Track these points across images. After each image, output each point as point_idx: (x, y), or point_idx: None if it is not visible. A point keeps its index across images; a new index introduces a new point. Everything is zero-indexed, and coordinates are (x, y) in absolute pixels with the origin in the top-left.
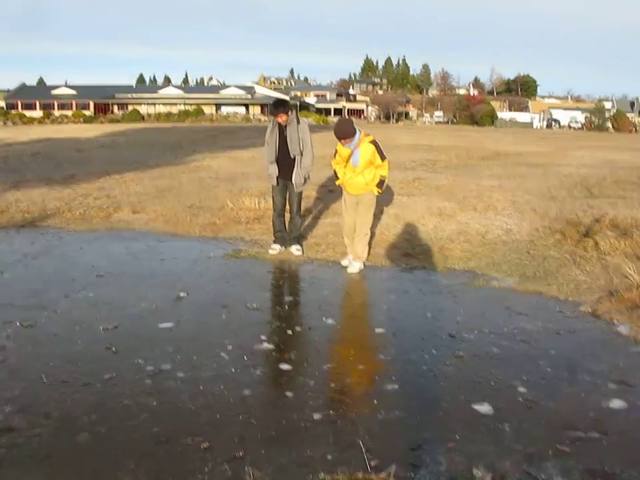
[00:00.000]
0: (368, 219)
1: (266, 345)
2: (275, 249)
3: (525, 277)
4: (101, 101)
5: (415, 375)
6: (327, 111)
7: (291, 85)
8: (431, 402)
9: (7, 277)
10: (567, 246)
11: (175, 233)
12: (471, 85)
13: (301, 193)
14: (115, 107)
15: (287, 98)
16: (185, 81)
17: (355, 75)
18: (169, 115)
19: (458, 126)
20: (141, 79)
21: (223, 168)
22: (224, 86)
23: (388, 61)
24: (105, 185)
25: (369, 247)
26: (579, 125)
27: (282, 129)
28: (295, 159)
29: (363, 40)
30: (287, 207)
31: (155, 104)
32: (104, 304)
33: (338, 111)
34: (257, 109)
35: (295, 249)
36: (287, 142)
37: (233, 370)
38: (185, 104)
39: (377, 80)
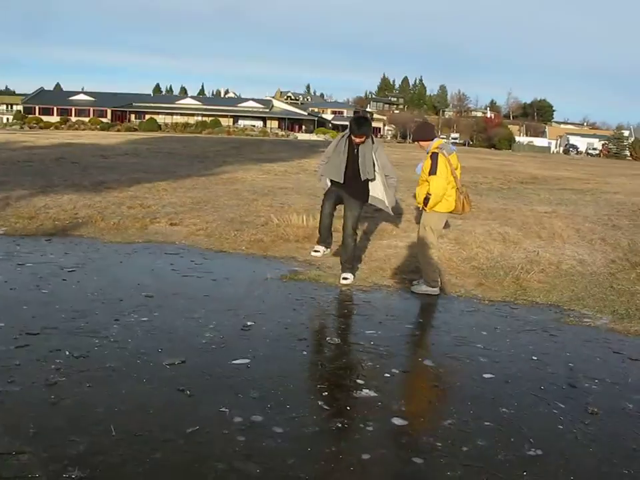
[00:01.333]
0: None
1: (366, 392)
2: (319, 250)
3: (617, 314)
4: (119, 109)
5: (553, 436)
6: (344, 128)
7: (308, 100)
8: (588, 474)
9: (45, 294)
10: None
11: (220, 249)
12: (488, 108)
13: (359, 214)
14: (132, 116)
15: (367, 115)
16: (201, 92)
17: (371, 94)
18: (186, 126)
19: (475, 148)
20: (157, 89)
21: (257, 181)
22: (241, 99)
23: (405, 81)
24: (138, 194)
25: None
26: (597, 152)
27: (352, 147)
28: (365, 182)
29: (380, 58)
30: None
31: (172, 114)
32: (162, 332)
33: None
34: (275, 123)
35: (342, 277)
36: (357, 162)
37: (340, 425)
38: (202, 115)
39: (393, 99)
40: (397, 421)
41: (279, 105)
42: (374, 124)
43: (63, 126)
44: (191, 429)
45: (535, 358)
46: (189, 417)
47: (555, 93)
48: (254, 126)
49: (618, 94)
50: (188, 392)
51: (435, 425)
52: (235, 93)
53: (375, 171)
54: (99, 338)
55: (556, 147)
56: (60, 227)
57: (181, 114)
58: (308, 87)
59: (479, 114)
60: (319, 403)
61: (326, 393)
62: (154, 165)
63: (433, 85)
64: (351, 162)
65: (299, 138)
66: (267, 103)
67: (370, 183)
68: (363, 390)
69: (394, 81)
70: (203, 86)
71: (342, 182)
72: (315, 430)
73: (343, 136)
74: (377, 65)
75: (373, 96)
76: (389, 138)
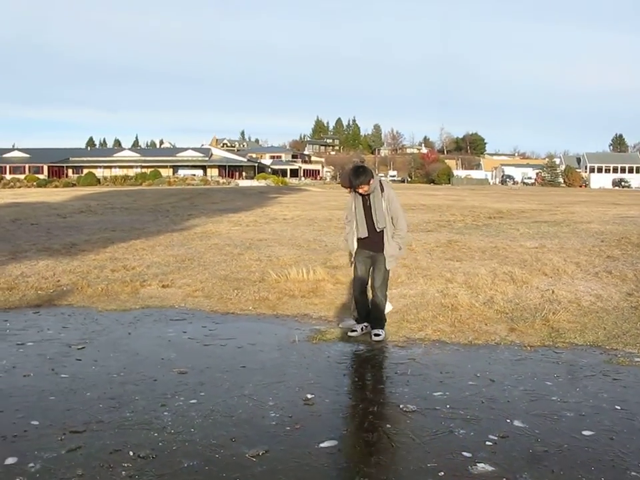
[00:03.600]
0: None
1: (482, 467)
2: (357, 330)
3: None
4: (55, 164)
5: None
6: (284, 172)
7: (244, 146)
8: None
9: (67, 379)
10: None
11: (226, 311)
12: (422, 144)
13: (388, 270)
14: (70, 170)
15: (363, 164)
16: (136, 143)
17: (305, 136)
18: (125, 178)
19: (414, 184)
20: (90, 142)
21: (233, 234)
22: (179, 148)
23: (338, 122)
24: (116, 255)
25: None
26: (532, 181)
27: (365, 199)
28: (381, 232)
29: (312, 101)
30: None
31: (110, 167)
32: (222, 416)
33: (294, 172)
34: (215, 171)
35: (374, 334)
36: (371, 214)
37: None
38: (141, 167)
39: (329, 140)
40: None
41: (218, 152)
42: (313, 166)
43: None
44: None
45: (619, 407)
46: None
47: (484, 125)
48: (194, 175)
49: (544, 125)
50: None
51: None
52: (170, 143)
53: (387, 219)
54: (155, 430)
55: (492, 178)
56: (45, 297)
57: (120, 166)
58: (242, 133)
59: (414, 150)
60: None
61: (442, 473)
62: (118, 222)
63: (367, 125)
64: (368, 215)
65: (240, 185)
66: (205, 152)
67: None
68: (478, 464)
69: (328, 123)
70: (137, 137)
71: (367, 235)
72: None
73: (352, 193)
74: (310, 107)
75: (308, 138)
76: (328, 179)
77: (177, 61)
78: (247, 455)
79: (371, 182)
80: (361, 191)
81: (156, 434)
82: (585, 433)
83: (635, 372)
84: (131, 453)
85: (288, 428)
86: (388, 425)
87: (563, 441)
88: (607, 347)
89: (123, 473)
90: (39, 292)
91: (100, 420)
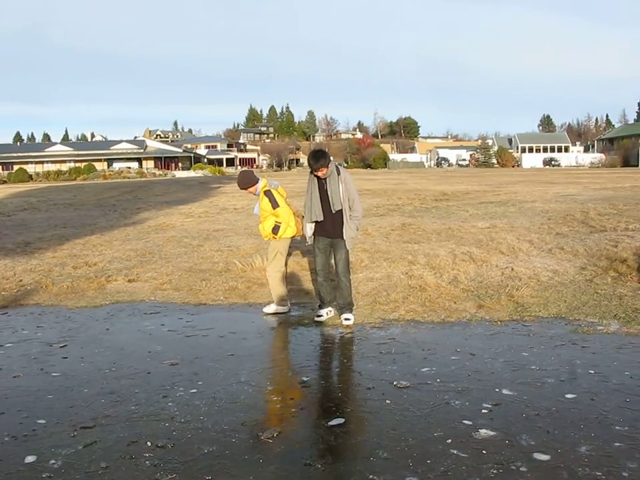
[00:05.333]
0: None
1: (485, 432)
2: (322, 315)
3: (620, 318)
4: None
5: None
6: (219, 162)
7: (178, 137)
8: None
9: (59, 377)
10: (630, 282)
11: (198, 302)
12: (357, 129)
13: (348, 252)
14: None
15: (322, 148)
16: (66, 137)
17: (239, 125)
18: (59, 173)
19: (352, 169)
20: (17, 137)
21: (187, 226)
22: (113, 141)
23: (272, 109)
24: (75, 252)
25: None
26: (466, 163)
27: (322, 183)
28: (337, 214)
29: (244, 89)
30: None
31: (42, 162)
32: (227, 402)
33: (230, 161)
34: (151, 163)
35: (344, 319)
36: (327, 197)
37: (495, 471)
38: (74, 161)
39: (263, 128)
40: (541, 457)
41: (153, 144)
42: (249, 155)
43: None
44: None
45: (592, 372)
46: None
47: (416, 109)
48: (130, 168)
49: (475, 106)
50: (319, 466)
51: (578, 455)
52: (102, 136)
53: (341, 201)
54: (165, 421)
55: (427, 161)
56: (10, 297)
57: (52, 161)
58: (175, 124)
59: (349, 136)
60: (454, 452)
61: (449, 441)
62: (66, 219)
63: (301, 111)
64: (324, 199)
65: (177, 176)
66: (140, 144)
67: None
68: (480, 430)
69: (261, 111)
70: (67, 131)
71: (322, 219)
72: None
73: (310, 176)
74: (243, 96)
75: (242, 127)
76: (264, 167)
77: (103, 50)
78: (262, 438)
79: (330, 165)
80: (320, 174)
81: (167, 424)
82: (568, 396)
83: (599, 339)
84: (149, 444)
85: (293, 410)
86: (387, 401)
87: (550, 404)
88: (571, 318)
89: (147, 462)
90: (3, 293)
91: (106, 415)
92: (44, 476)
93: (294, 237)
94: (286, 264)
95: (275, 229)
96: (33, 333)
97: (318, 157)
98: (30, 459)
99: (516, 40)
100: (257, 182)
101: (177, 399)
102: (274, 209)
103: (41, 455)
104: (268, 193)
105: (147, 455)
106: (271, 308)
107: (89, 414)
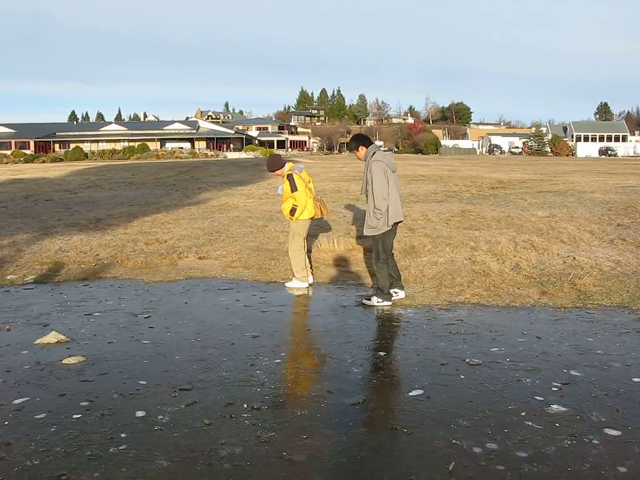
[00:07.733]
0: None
1: (557, 407)
2: (398, 293)
3: None
4: (42, 140)
5: None
6: (270, 144)
7: (229, 118)
8: None
9: (150, 345)
10: None
11: (269, 280)
12: (408, 114)
13: (374, 239)
14: (57, 145)
15: (361, 133)
16: (119, 117)
17: (290, 107)
18: (113, 152)
19: (402, 154)
20: (72, 116)
21: (250, 207)
22: (166, 122)
23: (323, 92)
24: (144, 229)
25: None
26: (519, 150)
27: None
28: (369, 200)
29: (296, 72)
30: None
31: (97, 141)
32: (311, 372)
33: (281, 143)
34: (203, 144)
35: (364, 298)
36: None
37: (568, 442)
38: (128, 140)
39: (314, 111)
40: (612, 432)
41: (205, 125)
42: (299, 137)
43: None
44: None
45: None
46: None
47: (469, 95)
48: (182, 148)
49: (529, 93)
50: (405, 430)
51: None
52: (154, 116)
53: (365, 187)
54: (256, 386)
55: (479, 148)
56: (89, 270)
57: (107, 141)
58: (227, 105)
59: (400, 120)
60: (528, 423)
61: (524, 413)
62: (131, 197)
63: (352, 95)
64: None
65: (228, 157)
66: (193, 124)
67: None
68: (552, 405)
69: (312, 93)
70: (120, 111)
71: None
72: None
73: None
74: (294, 78)
75: (293, 109)
76: (315, 150)
77: (156, 31)
78: (348, 403)
79: (360, 149)
80: (355, 156)
81: (258, 389)
82: (635, 379)
83: None
84: (245, 405)
85: (374, 381)
86: (462, 376)
87: (618, 386)
88: (634, 308)
89: (246, 422)
90: (82, 266)
91: (201, 379)
92: (156, 428)
93: (312, 218)
94: (305, 243)
95: (292, 211)
96: (116, 304)
97: (350, 141)
98: (140, 413)
99: (572, 25)
100: (283, 165)
101: (264, 368)
102: (292, 192)
103: (149, 411)
104: (290, 177)
105: (245, 415)
106: (293, 283)
107: (184, 378)
